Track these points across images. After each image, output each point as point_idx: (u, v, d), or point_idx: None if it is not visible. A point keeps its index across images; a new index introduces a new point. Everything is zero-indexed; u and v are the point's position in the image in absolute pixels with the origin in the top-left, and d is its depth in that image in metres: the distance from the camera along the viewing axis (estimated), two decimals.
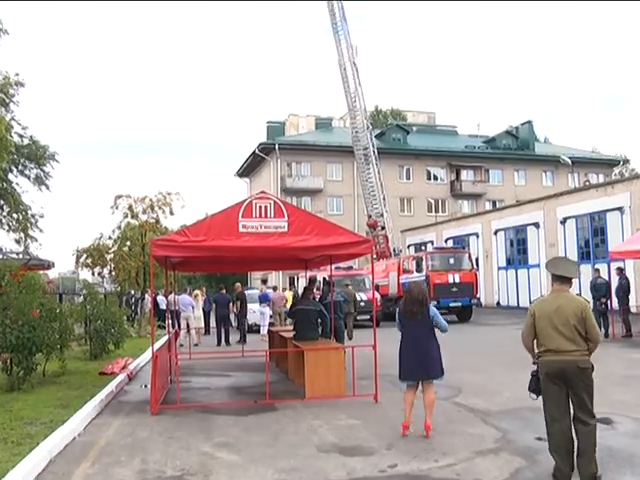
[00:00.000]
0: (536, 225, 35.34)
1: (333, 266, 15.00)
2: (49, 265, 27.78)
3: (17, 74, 23.32)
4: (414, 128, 64.66)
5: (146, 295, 29.93)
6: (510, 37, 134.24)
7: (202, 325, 24.06)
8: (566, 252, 31.98)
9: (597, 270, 20.93)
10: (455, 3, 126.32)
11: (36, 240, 26.12)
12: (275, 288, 26.09)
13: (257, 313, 24.11)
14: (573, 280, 6.30)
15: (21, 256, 24.67)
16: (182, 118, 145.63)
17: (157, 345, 10.37)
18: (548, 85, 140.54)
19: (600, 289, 19.64)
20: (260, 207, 9.74)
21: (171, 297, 19.94)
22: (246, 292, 24.26)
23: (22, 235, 25.48)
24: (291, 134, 60.82)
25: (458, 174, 58.25)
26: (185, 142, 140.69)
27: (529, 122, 63.35)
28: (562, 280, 6.22)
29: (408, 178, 56.93)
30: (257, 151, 54.94)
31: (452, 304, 27.85)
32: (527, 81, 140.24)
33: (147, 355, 16.18)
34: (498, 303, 38.30)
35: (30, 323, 11.52)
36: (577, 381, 5.95)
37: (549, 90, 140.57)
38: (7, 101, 23.47)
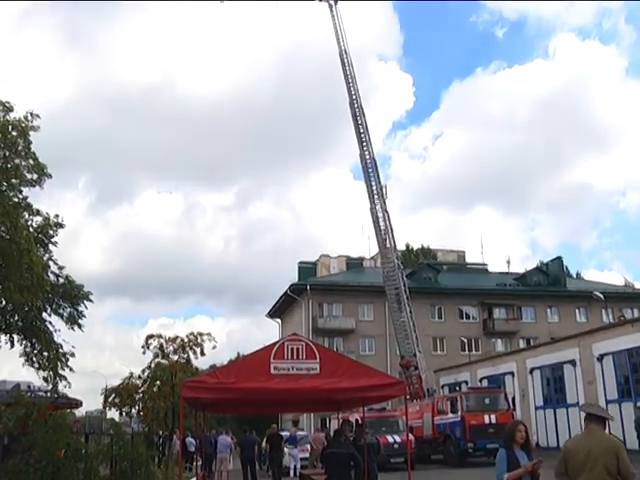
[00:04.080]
0: (572, 363, 34.46)
1: (366, 407, 14.73)
2: (77, 404, 27.59)
3: (57, 215, 24.03)
4: (444, 267, 65.08)
5: (174, 436, 29.43)
6: (533, 174, 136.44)
7: (230, 468, 23.56)
8: (605, 390, 31.00)
9: (639, 408, 20.17)
10: (481, 138, 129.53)
11: (65, 379, 25.98)
12: (321, 429, 25.85)
13: (286, 455, 23.68)
14: (607, 421, 6.12)
15: (49, 394, 24.57)
16: (213, 261, 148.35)
17: None
18: (576, 220, 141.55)
19: None
20: (292, 349, 9.74)
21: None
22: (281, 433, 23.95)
23: (51, 374, 25.41)
24: (322, 275, 61.37)
25: (490, 312, 57.83)
26: (216, 283, 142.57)
27: (559, 258, 63.49)
28: (597, 420, 6.07)
29: (440, 317, 56.65)
30: (289, 292, 55.40)
31: (489, 445, 26.83)
32: (555, 216, 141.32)
33: None
34: (537, 444, 36.72)
35: (55, 463, 11.34)
36: None
37: (578, 225, 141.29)
38: (45, 242, 24.10)
